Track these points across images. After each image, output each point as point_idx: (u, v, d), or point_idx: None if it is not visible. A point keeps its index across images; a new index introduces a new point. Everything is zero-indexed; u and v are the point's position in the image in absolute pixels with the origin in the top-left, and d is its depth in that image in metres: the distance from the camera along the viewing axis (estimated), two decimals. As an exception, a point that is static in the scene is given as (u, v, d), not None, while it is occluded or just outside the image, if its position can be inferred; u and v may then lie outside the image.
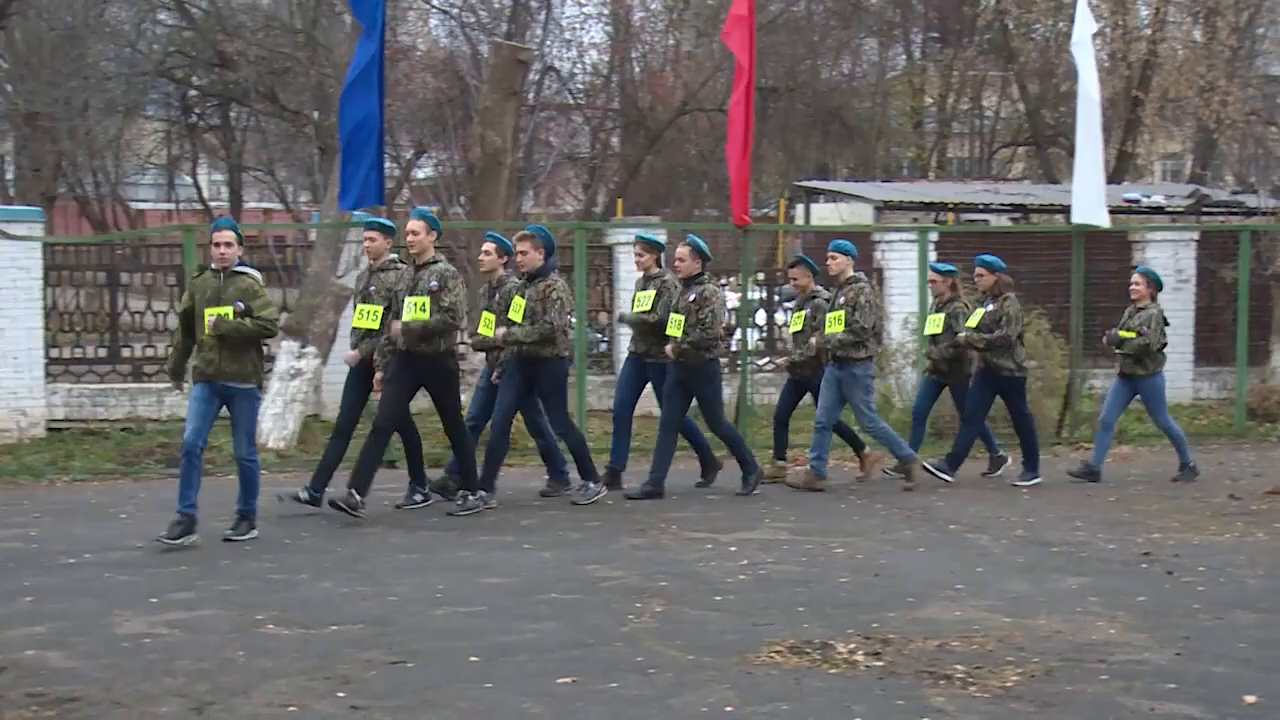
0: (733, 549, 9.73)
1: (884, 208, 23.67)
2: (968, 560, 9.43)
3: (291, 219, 32.83)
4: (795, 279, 12.97)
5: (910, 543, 10.07)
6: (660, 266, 12.34)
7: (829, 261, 12.47)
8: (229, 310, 9.70)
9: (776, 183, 33.80)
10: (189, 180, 39.05)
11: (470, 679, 6.63)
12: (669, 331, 11.85)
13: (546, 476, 12.16)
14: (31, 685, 6.47)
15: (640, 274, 12.43)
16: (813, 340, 12.47)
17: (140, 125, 35.79)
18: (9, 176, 35.46)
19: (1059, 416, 15.72)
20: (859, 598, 8.30)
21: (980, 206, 24.45)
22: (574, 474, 11.84)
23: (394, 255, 11.22)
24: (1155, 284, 13.13)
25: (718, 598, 8.28)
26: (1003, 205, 24.44)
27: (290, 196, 36.45)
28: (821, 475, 12.33)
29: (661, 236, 13.93)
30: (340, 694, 6.40)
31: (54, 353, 16.48)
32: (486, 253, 11.71)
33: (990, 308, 12.69)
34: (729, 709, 6.19)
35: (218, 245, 9.87)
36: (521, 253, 11.33)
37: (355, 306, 11.32)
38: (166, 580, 8.67)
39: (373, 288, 11.08)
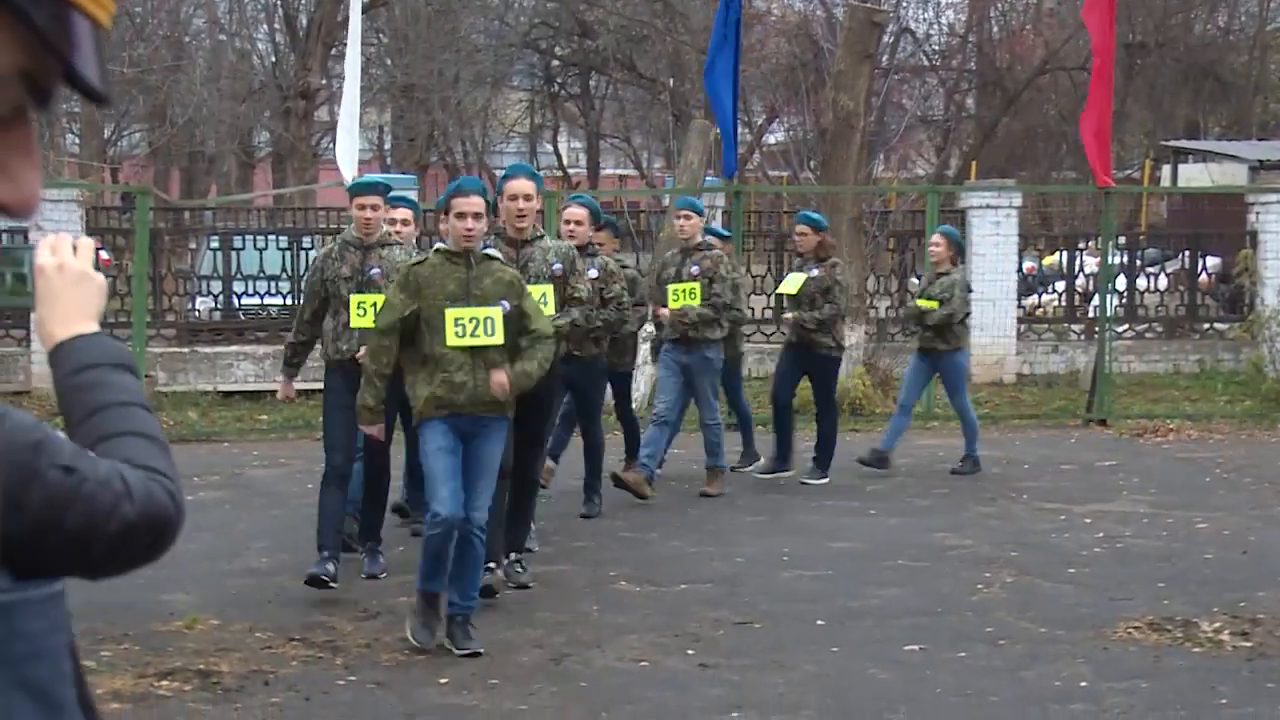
0: (1087, 521, 9.46)
1: (1260, 167, 22.46)
2: (1346, 541, 8.90)
3: (646, 185, 33.49)
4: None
5: (1282, 520, 9.56)
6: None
7: (679, 221, 10.32)
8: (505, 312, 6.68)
9: (1141, 142, 32.47)
10: (549, 148, 40.39)
11: (817, 642, 6.67)
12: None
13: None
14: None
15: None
16: (662, 311, 10.16)
17: (506, 95, 37.26)
18: (387, 145, 37.51)
19: None
20: (1225, 575, 7.94)
21: (1368, 165, 22.85)
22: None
23: (384, 229, 8.11)
24: (956, 246, 11.39)
25: (1071, 570, 8.08)
26: (1394, 163, 22.78)
27: (645, 163, 37.30)
28: (649, 478, 10.05)
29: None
30: (689, 651, 6.54)
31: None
32: (405, 222, 8.68)
33: (816, 273, 10.68)
34: (1083, 684, 6.04)
35: (463, 216, 6.58)
36: (576, 223, 8.76)
37: (349, 298, 7.75)
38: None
39: (376, 270, 7.77)
